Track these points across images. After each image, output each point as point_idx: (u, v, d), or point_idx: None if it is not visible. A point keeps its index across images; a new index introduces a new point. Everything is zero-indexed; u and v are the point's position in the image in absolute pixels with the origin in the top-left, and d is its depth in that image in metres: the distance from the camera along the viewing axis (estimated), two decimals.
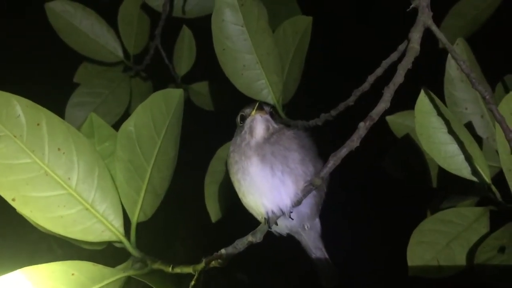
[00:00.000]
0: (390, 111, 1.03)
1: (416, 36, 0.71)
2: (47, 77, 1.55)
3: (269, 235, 0.79)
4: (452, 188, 0.88)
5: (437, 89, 0.85)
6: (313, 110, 0.96)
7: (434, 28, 0.71)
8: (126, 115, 1.44)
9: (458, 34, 1.16)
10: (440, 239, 0.77)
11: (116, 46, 1.43)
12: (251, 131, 0.79)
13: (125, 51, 1.43)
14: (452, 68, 0.98)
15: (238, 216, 0.96)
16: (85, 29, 1.40)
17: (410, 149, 0.94)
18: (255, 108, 0.80)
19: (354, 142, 0.67)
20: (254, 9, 0.95)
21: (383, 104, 0.68)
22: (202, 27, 1.39)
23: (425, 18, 0.71)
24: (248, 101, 0.97)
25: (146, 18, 1.45)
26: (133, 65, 1.45)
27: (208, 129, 1.43)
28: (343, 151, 0.67)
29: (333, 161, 0.67)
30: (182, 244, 1.25)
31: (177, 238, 1.28)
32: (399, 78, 0.69)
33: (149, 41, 1.45)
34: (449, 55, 0.96)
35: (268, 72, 0.94)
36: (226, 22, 0.94)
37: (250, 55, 0.94)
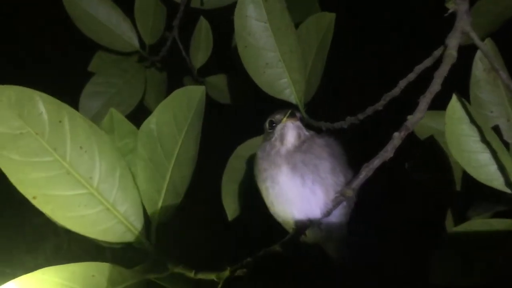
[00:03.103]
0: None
1: (453, 42, 0.69)
2: (62, 65, 1.54)
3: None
4: (479, 195, 0.86)
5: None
6: (332, 109, 0.95)
7: (472, 34, 0.69)
8: (140, 106, 1.43)
9: (480, 32, 1.14)
10: (466, 250, 0.75)
11: (132, 36, 1.41)
12: (281, 139, 0.77)
13: (140, 41, 1.41)
14: (478, 70, 0.95)
15: (255, 215, 0.95)
16: (101, 18, 1.38)
17: (434, 152, 0.93)
18: (287, 115, 0.78)
19: (388, 152, 0.65)
20: (278, 5, 0.93)
21: (419, 114, 0.66)
22: (219, 19, 1.38)
23: (463, 24, 0.68)
24: (266, 97, 0.96)
25: (163, 7, 1.42)
26: (149, 55, 1.43)
27: (224, 123, 1.41)
28: (376, 162, 0.65)
29: (366, 172, 0.66)
30: (197, 243, 1.24)
31: (192, 237, 1.27)
32: (435, 86, 0.67)
33: (165, 31, 1.43)
34: (475, 57, 0.94)
35: (291, 71, 0.92)
36: (249, 18, 0.92)
37: (273, 53, 0.92)
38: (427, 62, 0.72)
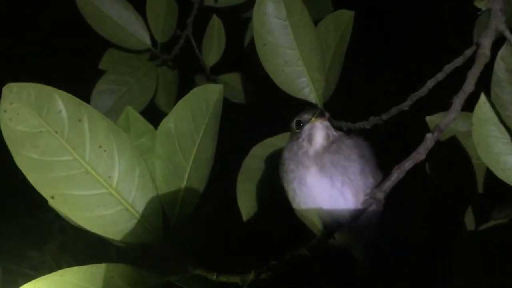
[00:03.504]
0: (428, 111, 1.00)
1: (487, 41, 0.67)
2: (73, 63, 1.53)
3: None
4: (505, 198, 0.85)
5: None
6: (349, 108, 0.93)
7: (507, 33, 0.67)
8: (151, 104, 1.42)
9: None
10: (489, 251, 0.73)
11: (143, 34, 1.40)
12: (310, 139, 0.75)
13: (152, 39, 1.40)
14: (500, 70, 0.93)
15: (271, 215, 0.93)
16: (113, 15, 1.37)
17: (455, 153, 0.91)
18: (316, 115, 0.76)
19: (420, 154, 0.63)
20: (297, 3, 0.91)
21: (453, 114, 0.64)
22: (232, 17, 1.37)
23: (497, 22, 0.67)
24: (281, 96, 0.94)
25: (175, 5, 1.41)
26: (160, 53, 1.42)
27: (237, 122, 1.40)
28: (408, 164, 0.63)
29: (397, 174, 0.64)
30: (213, 244, 1.23)
31: (208, 238, 1.25)
32: (469, 87, 0.65)
33: (176, 29, 1.42)
34: (497, 56, 0.92)
35: (311, 69, 0.91)
36: (268, 16, 0.90)
37: (292, 51, 0.91)
38: (458, 62, 0.71)
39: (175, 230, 0.75)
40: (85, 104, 0.69)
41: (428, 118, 1.00)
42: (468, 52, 0.70)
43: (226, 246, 1.22)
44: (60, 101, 0.66)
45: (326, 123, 0.76)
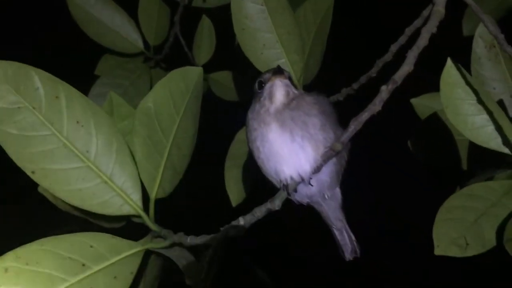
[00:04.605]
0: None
1: None
2: (68, 69, 1.56)
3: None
4: (481, 165, 0.85)
5: None
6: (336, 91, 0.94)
7: None
8: None
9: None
10: (468, 216, 0.73)
11: (136, 37, 1.43)
12: (270, 97, 0.77)
13: (145, 42, 1.43)
14: (479, 46, 0.94)
15: (259, 199, 0.94)
16: (105, 20, 1.41)
17: (437, 130, 0.92)
18: (274, 72, 0.78)
19: (376, 106, 0.64)
20: None
21: (406, 67, 0.65)
22: (222, 17, 1.39)
23: None
24: None
25: (167, 9, 1.45)
26: (153, 55, 1.45)
27: (228, 119, 1.42)
28: (365, 115, 0.65)
29: (354, 126, 0.65)
30: (200, 223, 1.23)
31: (196, 217, 1.26)
32: (423, 41, 0.66)
33: (169, 32, 1.45)
34: (476, 34, 0.93)
35: (289, 52, 0.93)
36: (245, 1, 0.93)
37: (270, 34, 0.93)
38: (417, 23, 0.72)
39: (155, 204, 0.76)
40: (63, 82, 0.72)
41: (412, 100, 1.01)
42: (426, 12, 0.72)
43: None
44: (37, 78, 0.69)
45: (286, 81, 0.78)
